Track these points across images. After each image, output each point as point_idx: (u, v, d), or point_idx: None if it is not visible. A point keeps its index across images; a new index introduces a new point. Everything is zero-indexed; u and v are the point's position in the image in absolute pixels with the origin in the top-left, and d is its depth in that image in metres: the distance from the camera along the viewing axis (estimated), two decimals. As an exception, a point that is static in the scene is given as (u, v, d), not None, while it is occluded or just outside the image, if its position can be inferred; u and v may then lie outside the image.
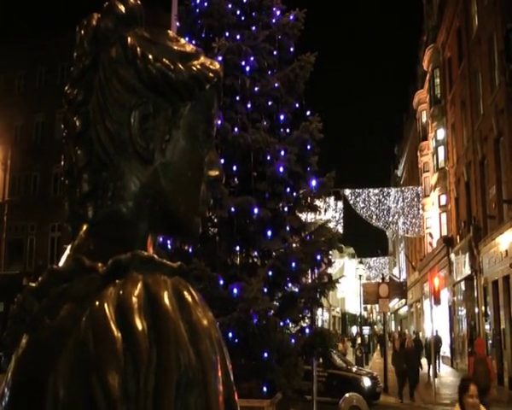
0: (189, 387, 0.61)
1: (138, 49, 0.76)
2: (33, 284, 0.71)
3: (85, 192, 0.77)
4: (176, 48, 0.80)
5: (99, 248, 0.73)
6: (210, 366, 0.63)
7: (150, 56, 0.76)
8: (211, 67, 0.81)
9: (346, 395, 5.78)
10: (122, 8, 0.79)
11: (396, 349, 18.75)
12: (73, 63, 0.80)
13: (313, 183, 8.48)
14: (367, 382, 14.23)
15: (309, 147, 8.43)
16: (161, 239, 7.71)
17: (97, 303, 0.63)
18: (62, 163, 0.81)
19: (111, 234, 0.75)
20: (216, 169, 0.83)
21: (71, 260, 0.71)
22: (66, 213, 0.80)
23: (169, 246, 7.25)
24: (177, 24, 8.84)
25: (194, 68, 0.78)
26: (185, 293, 0.65)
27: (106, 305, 0.63)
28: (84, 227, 0.77)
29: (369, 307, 54.31)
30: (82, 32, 0.80)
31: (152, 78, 0.75)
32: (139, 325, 0.61)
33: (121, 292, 0.64)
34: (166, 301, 0.63)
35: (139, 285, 0.64)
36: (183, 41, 0.83)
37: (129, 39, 0.77)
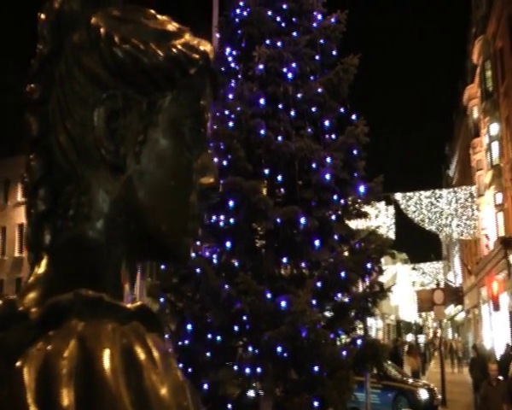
0: None
1: (102, 29, 0.62)
2: None
3: (41, 212, 0.62)
4: (152, 25, 0.64)
5: (56, 284, 0.57)
6: None
7: (116, 37, 0.61)
8: (197, 46, 0.66)
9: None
10: None
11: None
12: (34, 56, 0.66)
13: (361, 188, 8.22)
14: (424, 394, 13.66)
15: (355, 152, 8.19)
16: (207, 253, 7.74)
17: (18, 366, 0.48)
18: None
19: (73, 265, 0.59)
20: (210, 175, 0.67)
21: (4, 302, 0.56)
22: (28, 237, 0.64)
23: (214, 260, 7.19)
24: (218, 36, 8.83)
25: (174, 49, 0.63)
26: (137, 348, 0.49)
27: (26, 369, 0.47)
28: (44, 257, 0.62)
29: (424, 313, 52.63)
30: (42, 17, 0.66)
31: (118, 63, 0.61)
32: (64, 399, 0.45)
33: (49, 349, 0.48)
34: (106, 361, 0.47)
35: (72, 340, 0.48)
36: (164, 18, 0.67)
37: (93, 19, 0.63)
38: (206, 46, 0.67)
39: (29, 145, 0.64)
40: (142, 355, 0.49)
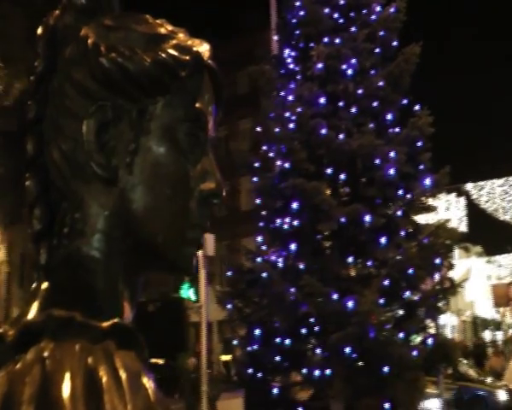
0: None
1: (90, 40, 0.61)
2: None
3: (37, 231, 0.62)
4: (142, 30, 0.62)
5: (50, 304, 0.56)
6: None
7: (103, 47, 0.60)
8: (189, 47, 0.63)
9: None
10: None
11: None
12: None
13: (427, 181, 7.96)
14: (502, 395, 12.95)
15: (419, 144, 7.96)
16: (273, 257, 7.76)
17: None
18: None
19: (68, 283, 0.58)
20: (211, 181, 0.64)
21: None
22: (31, 258, 0.65)
23: (280, 264, 7.22)
24: (276, 38, 8.85)
25: (163, 53, 0.61)
26: (101, 370, 0.48)
27: None
28: (42, 276, 0.61)
29: (501, 309, 49.88)
30: (39, 33, 0.65)
31: (105, 72, 0.60)
32: None
33: (13, 373, 0.49)
34: (64, 385, 0.46)
35: (36, 364, 0.48)
36: (157, 21, 0.65)
37: (82, 31, 0.62)
38: (199, 46, 0.64)
39: (25, 165, 0.64)
40: (104, 377, 0.48)
